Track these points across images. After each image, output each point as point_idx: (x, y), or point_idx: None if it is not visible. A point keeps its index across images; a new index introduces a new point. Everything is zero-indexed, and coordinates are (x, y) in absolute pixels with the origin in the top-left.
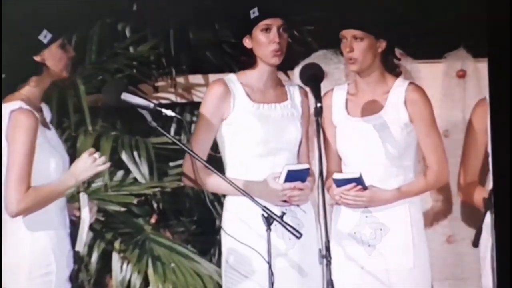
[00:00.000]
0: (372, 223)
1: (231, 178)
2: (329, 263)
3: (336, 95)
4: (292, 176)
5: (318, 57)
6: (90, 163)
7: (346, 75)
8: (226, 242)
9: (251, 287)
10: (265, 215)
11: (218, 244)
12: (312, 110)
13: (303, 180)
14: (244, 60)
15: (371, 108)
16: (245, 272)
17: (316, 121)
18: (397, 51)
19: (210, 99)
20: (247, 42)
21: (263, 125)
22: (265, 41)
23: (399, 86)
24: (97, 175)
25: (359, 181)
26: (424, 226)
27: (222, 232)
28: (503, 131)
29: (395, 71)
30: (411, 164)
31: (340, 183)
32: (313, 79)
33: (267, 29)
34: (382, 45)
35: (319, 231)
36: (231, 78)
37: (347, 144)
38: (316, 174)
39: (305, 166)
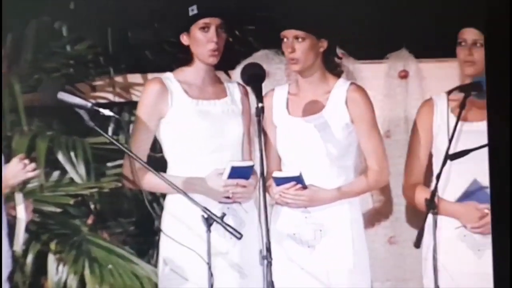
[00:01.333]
0: (311, 224)
1: (174, 176)
2: (269, 264)
3: (277, 95)
4: (236, 172)
5: (259, 57)
6: (20, 169)
7: (287, 75)
8: (165, 243)
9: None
10: (205, 216)
11: (156, 245)
12: (253, 110)
13: (247, 178)
14: (181, 57)
15: (312, 108)
16: (184, 273)
17: (258, 121)
18: (339, 51)
19: (147, 98)
20: (184, 39)
21: (203, 121)
22: (203, 39)
23: (340, 86)
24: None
25: (299, 179)
26: (364, 226)
27: (160, 233)
28: (502, 131)
29: (336, 71)
30: (351, 164)
31: (280, 181)
32: (255, 79)
33: (205, 28)
34: (324, 44)
35: (260, 231)
36: (167, 76)
37: (287, 144)
38: (258, 174)
39: (250, 163)
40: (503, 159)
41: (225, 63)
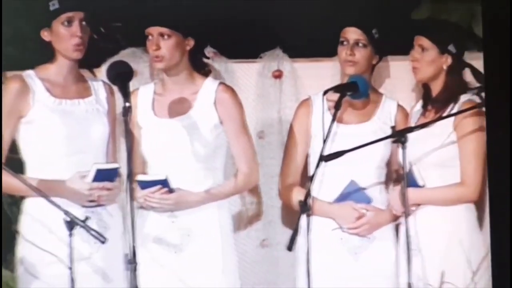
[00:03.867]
0: (179, 228)
1: (35, 178)
2: (135, 269)
3: (142, 95)
4: (100, 175)
5: (126, 55)
6: None
7: (152, 74)
8: (24, 248)
9: None
10: (67, 219)
11: (15, 250)
12: (119, 110)
13: (112, 180)
14: (43, 54)
15: (179, 109)
16: (45, 279)
17: (125, 121)
18: (210, 50)
19: (6, 97)
20: (45, 35)
21: (66, 122)
22: (66, 34)
23: (208, 86)
24: None
25: (165, 183)
26: (234, 229)
27: (19, 237)
28: (500, 131)
29: (204, 70)
30: (221, 166)
31: (145, 185)
32: (121, 77)
33: (68, 22)
34: (190, 43)
35: (126, 235)
36: (29, 73)
37: (153, 146)
38: (124, 176)
39: (115, 165)
40: (500, 161)
41: (90, 60)
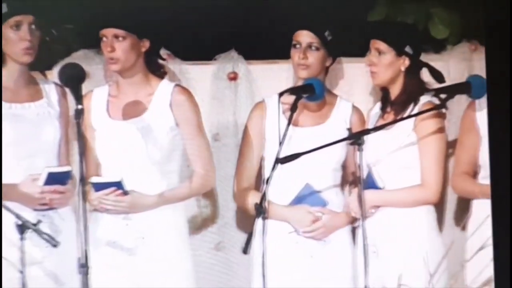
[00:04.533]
0: (133, 231)
1: None
2: (87, 272)
3: (96, 97)
4: (52, 178)
5: (78, 57)
6: None
7: (107, 76)
8: None
9: None
10: (19, 223)
11: None
12: (72, 112)
13: (63, 183)
14: None
15: (134, 111)
16: None
17: (77, 123)
18: (165, 52)
19: None
20: None
21: (15, 126)
22: (15, 38)
23: (164, 88)
24: None
25: (119, 185)
26: (189, 232)
27: None
28: (502, 131)
29: (159, 72)
30: (176, 169)
31: (99, 187)
32: (73, 79)
33: (17, 26)
34: (146, 44)
35: (78, 239)
36: None
37: (107, 148)
38: (76, 179)
39: (67, 168)
40: (502, 160)
41: (41, 63)
